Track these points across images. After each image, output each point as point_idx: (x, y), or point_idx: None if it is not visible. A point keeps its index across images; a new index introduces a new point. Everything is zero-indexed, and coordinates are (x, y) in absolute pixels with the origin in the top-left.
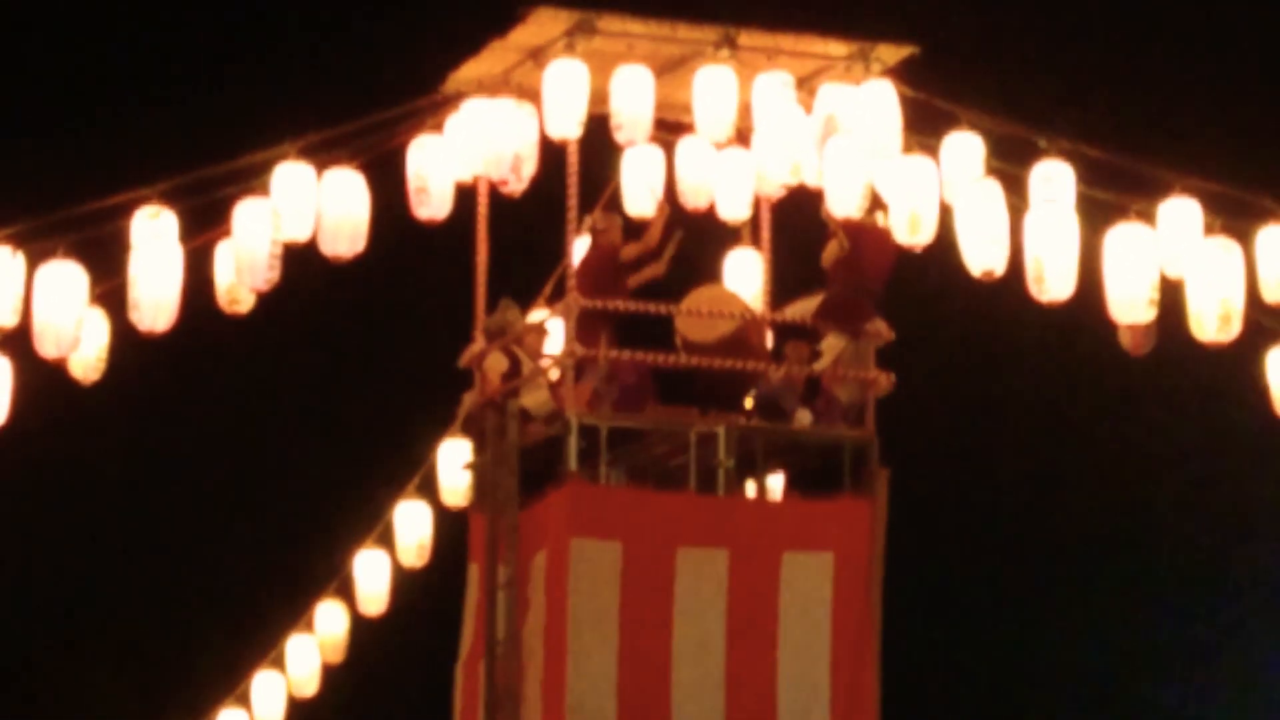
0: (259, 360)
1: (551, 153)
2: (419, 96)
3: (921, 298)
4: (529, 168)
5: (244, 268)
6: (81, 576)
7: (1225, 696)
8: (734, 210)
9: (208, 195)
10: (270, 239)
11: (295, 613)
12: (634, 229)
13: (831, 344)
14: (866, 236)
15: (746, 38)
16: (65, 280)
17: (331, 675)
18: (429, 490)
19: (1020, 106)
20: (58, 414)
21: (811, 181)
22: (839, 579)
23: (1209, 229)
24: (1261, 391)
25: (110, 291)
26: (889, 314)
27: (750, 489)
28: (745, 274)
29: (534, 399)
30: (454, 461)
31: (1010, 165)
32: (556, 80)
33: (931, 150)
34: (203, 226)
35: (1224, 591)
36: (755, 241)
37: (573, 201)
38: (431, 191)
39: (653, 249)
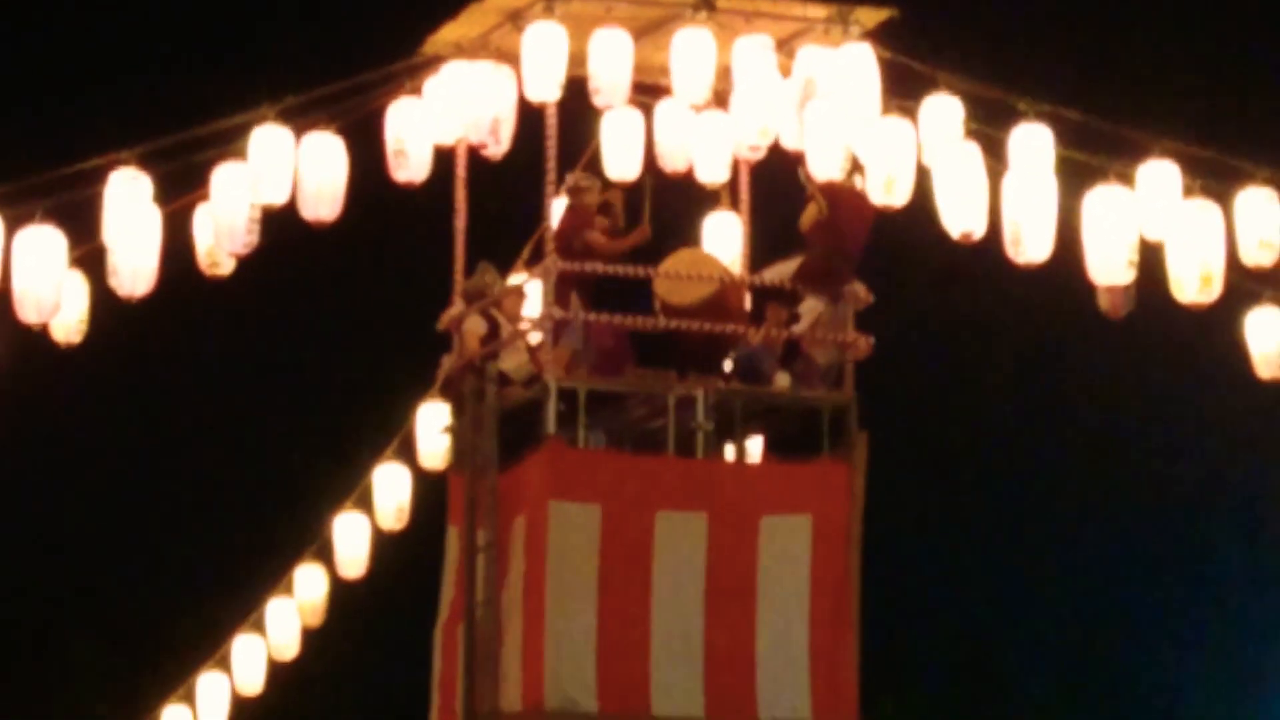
0: (239, 323)
1: (530, 116)
2: (398, 59)
3: (900, 261)
4: (508, 131)
5: (223, 232)
6: (62, 541)
7: (1204, 646)
8: (712, 173)
9: (186, 159)
10: (249, 203)
11: (275, 576)
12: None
13: (810, 307)
14: (845, 200)
15: (725, 0)
16: (44, 244)
17: (311, 638)
18: (408, 453)
19: (999, 69)
20: (38, 378)
21: (790, 144)
22: (818, 541)
23: (1188, 191)
24: (1240, 352)
25: (89, 254)
26: (867, 277)
27: (729, 452)
28: (724, 237)
29: (512, 362)
30: (433, 425)
31: (989, 128)
32: (535, 43)
33: (910, 113)
34: (181, 190)
35: (1201, 548)
36: (734, 204)
37: (551, 164)
38: (410, 155)
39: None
